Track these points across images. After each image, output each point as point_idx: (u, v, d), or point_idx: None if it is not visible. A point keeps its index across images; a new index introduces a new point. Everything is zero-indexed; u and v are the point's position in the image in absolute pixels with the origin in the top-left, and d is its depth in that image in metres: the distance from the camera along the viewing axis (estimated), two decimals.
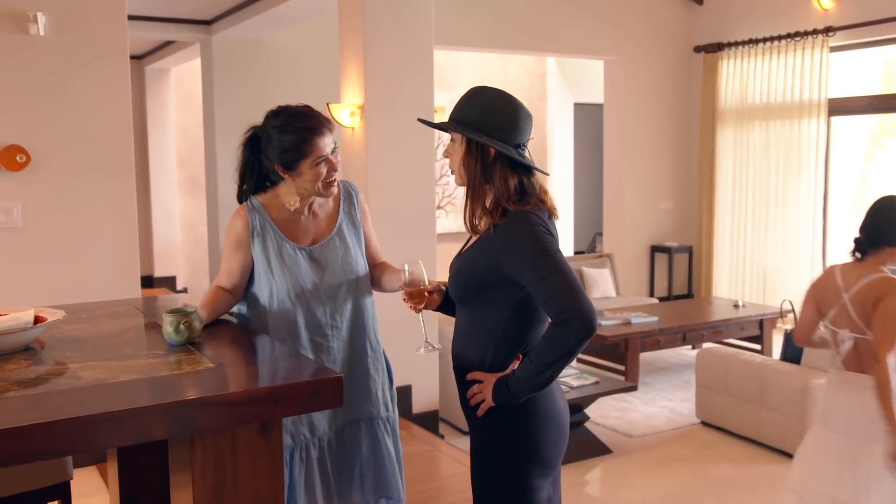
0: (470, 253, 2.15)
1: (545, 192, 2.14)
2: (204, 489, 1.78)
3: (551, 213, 2.11)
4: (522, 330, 2.10)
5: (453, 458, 4.38)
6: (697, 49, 8.64)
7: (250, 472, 1.81)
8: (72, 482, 2.75)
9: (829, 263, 7.79)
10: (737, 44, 8.19)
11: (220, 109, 7.85)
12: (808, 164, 7.69)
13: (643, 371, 6.41)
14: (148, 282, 9.74)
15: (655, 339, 6.09)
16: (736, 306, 6.88)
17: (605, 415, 5.46)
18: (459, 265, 2.17)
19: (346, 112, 4.92)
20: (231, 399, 1.73)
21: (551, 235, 2.04)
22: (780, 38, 7.76)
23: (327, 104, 4.93)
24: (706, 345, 6.66)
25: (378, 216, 4.79)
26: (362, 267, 2.58)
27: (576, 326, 1.91)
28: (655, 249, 8.77)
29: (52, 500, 2.65)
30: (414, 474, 3.99)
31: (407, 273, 2.27)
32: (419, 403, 5.10)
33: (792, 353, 4.96)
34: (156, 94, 9.91)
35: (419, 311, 2.31)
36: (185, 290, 9.81)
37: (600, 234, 9.91)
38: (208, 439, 1.76)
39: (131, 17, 4.92)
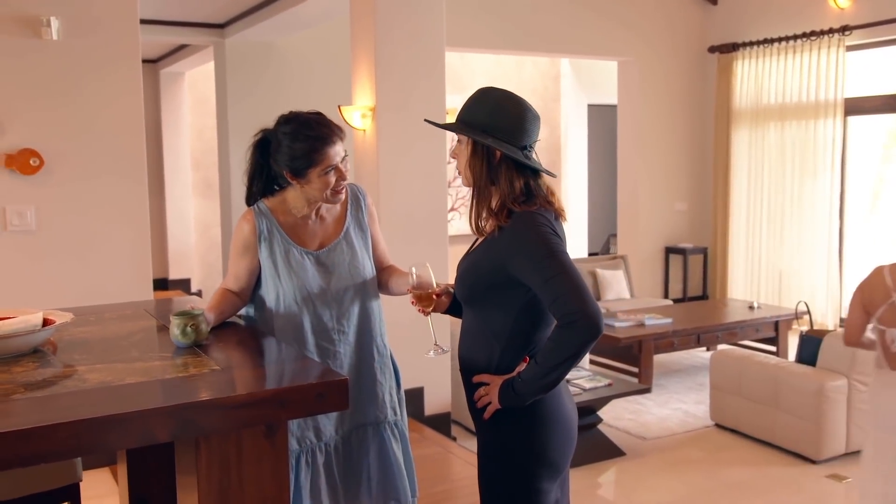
0: (476, 254, 2.14)
1: (552, 193, 2.12)
2: (209, 492, 1.77)
3: (558, 215, 2.10)
4: (529, 332, 2.09)
5: (465, 460, 4.37)
6: (712, 49, 8.59)
7: (256, 475, 1.81)
8: (84, 483, 2.77)
9: (845, 265, 7.73)
10: (752, 44, 8.14)
11: (233, 112, 7.89)
12: (824, 165, 7.62)
13: (657, 373, 6.38)
14: (162, 284, 9.79)
15: (669, 341, 6.05)
16: (751, 308, 6.83)
17: (618, 417, 5.43)
18: (465, 266, 2.16)
19: (357, 114, 4.93)
20: (235, 402, 1.73)
21: (557, 236, 2.02)
22: (795, 37, 7.70)
23: (339, 106, 4.93)
24: (720, 346, 6.62)
25: (389, 219, 4.82)
26: (369, 271, 2.57)
27: (581, 328, 1.90)
28: (670, 251, 8.73)
29: (62, 501, 2.66)
30: (426, 476, 3.99)
31: (414, 276, 2.27)
32: (431, 405, 5.09)
33: (807, 355, 4.90)
34: (170, 98, 9.97)
35: (427, 313, 2.30)
36: (199, 293, 9.84)
37: (614, 235, 9.87)
38: (213, 442, 1.75)
39: (146, 22, 4.96)
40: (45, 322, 2.13)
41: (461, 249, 2.26)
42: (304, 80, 7.81)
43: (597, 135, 10.86)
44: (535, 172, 2.10)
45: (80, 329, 2.36)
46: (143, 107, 4.46)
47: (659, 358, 6.61)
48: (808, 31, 7.60)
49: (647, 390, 5.16)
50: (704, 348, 6.91)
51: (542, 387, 2.00)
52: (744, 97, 8.31)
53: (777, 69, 7.96)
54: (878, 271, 3.11)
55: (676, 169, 8.73)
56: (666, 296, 8.70)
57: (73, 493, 2.68)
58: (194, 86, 10.08)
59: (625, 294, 7.72)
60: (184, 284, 10.10)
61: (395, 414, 2.61)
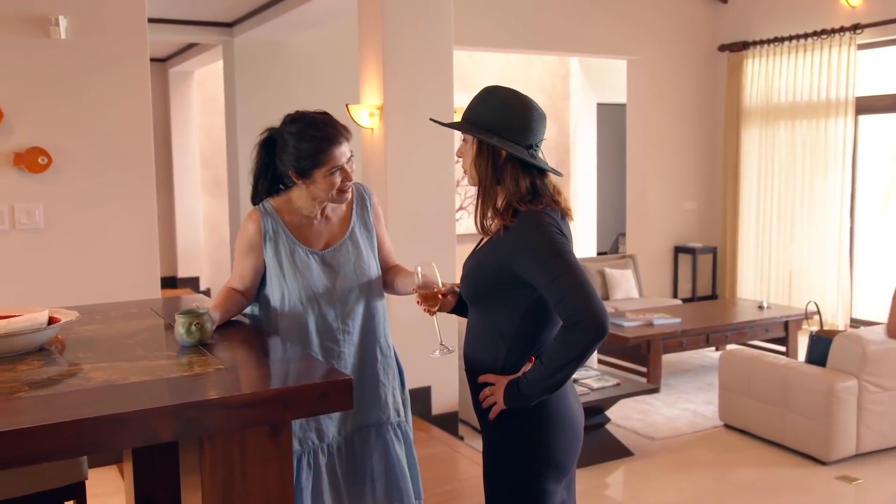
0: (481, 253, 2.12)
1: (559, 192, 2.11)
2: (213, 491, 1.77)
3: (565, 214, 2.08)
4: (535, 332, 2.07)
5: (472, 459, 4.36)
6: (722, 48, 8.55)
7: (260, 475, 1.80)
8: (90, 481, 2.76)
9: (856, 265, 7.68)
10: (762, 42, 8.09)
11: (241, 111, 7.89)
12: (835, 164, 7.57)
13: (665, 373, 6.35)
14: (171, 282, 9.81)
15: (678, 341, 6.03)
16: (760, 308, 6.79)
17: (626, 417, 5.41)
18: (471, 266, 2.15)
19: (365, 113, 4.92)
20: (239, 401, 1.72)
21: (563, 236, 2.01)
22: (806, 35, 7.65)
23: (346, 105, 4.92)
24: (730, 346, 6.59)
25: (397, 218, 4.81)
26: (374, 271, 2.56)
27: (586, 329, 1.88)
28: (679, 250, 8.69)
29: (68, 500, 2.65)
30: (433, 476, 3.98)
31: (420, 275, 2.26)
32: (438, 405, 5.08)
33: (817, 356, 4.87)
34: (179, 97, 9.99)
35: (433, 313, 2.29)
36: (207, 291, 9.86)
37: (623, 234, 9.84)
38: (217, 441, 1.75)
39: (154, 21, 4.96)
40: (51, 320, 2.13)
41: (470, 248, 2.25)
42: (312, 79, 7.81)
43: (606, 134, 10.83)
44: (541, 171, 2.09)
45: (85, 327, 2.36)
46: (152, 105, 4.47)
47: (668, 358, 6.58)
48: (818, 29, 7.55)
49: (656, 390, 5.14)
50: (714, 348, 6.88)
51: (547, 388, 1.98)
52: (754, 96, 8.26)
53: (787, 68, 7.91)
54: None
55: (686, 168, 8.69)
56: (675, 295, 8.66)
57: (78, 491, 2.67)
58: (203, 85, 10.10)
59: (634, 293, 7.70)
60: (193, 283, 10.12)
61: (399, 415, 2.60)
